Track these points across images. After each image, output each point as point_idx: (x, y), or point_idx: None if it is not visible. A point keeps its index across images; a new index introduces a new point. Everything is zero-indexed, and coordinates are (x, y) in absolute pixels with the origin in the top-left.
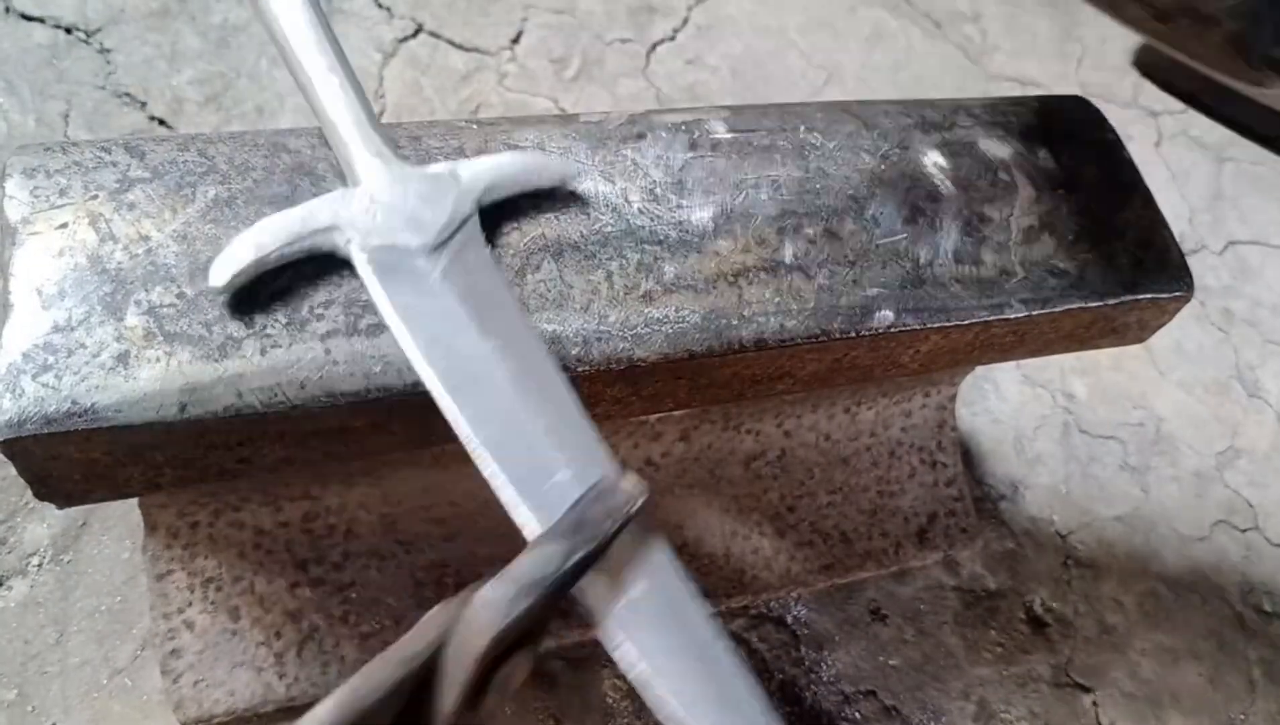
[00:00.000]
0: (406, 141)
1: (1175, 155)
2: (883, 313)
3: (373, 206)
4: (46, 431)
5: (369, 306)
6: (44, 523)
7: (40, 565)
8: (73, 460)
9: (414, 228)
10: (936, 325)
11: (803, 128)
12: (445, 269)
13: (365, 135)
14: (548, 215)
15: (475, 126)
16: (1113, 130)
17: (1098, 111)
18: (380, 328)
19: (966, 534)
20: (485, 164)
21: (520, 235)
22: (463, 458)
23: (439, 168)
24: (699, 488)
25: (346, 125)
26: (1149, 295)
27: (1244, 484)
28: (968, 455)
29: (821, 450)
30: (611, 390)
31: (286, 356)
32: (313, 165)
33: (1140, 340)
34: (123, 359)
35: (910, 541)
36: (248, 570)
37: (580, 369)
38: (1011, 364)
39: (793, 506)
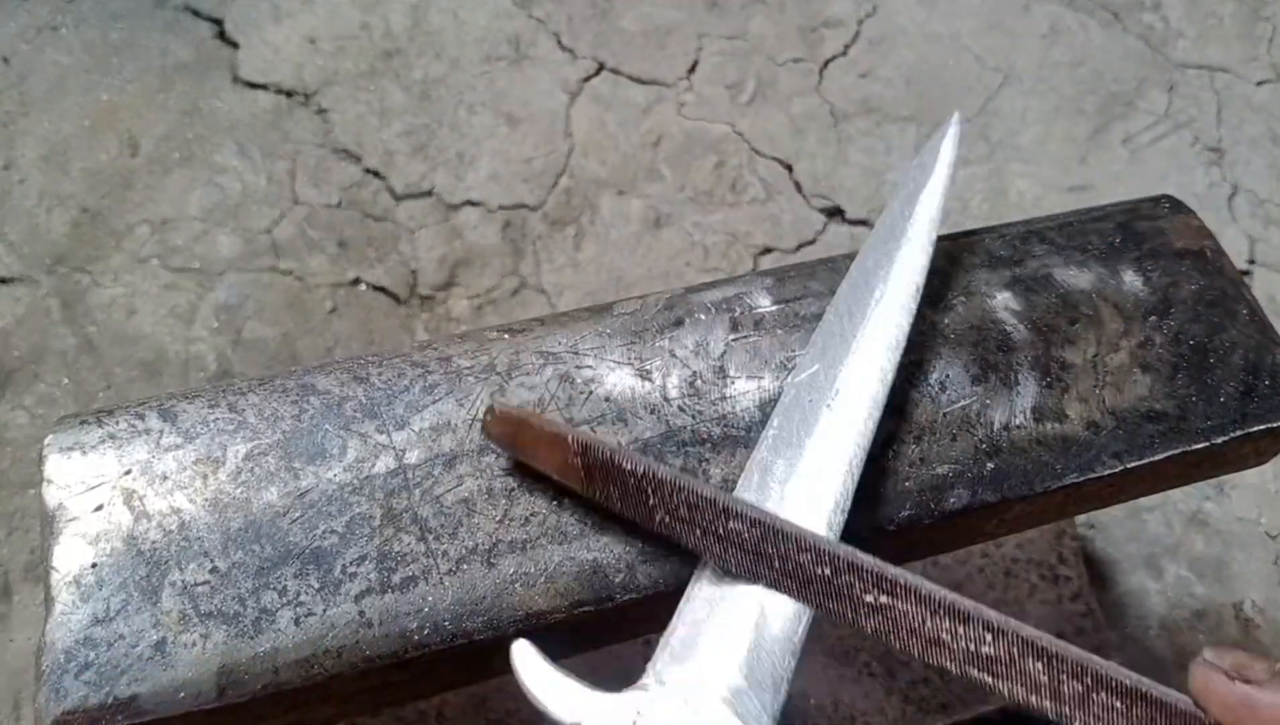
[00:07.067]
0: (436, 363)
1: None
2: (956, 493)
3: None
4: None
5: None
6: None
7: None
8: None
9: None
10: (1018, 496)
11: None
12: None
13: None
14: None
15: (506, 337)
16: (1209, 234)
17: (1191, 213)
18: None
19: (1098, 652)
20: None
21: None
22: None
23: None
24: None
25: None
26: (1263, 427)
27: None
28: (1091, 563)
29: (930, 578)
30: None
31: (320, 624)
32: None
33: (1261, 463)
34: (159, 647)
35: None
36: None
37: (627, 598)
38: None
39: None
